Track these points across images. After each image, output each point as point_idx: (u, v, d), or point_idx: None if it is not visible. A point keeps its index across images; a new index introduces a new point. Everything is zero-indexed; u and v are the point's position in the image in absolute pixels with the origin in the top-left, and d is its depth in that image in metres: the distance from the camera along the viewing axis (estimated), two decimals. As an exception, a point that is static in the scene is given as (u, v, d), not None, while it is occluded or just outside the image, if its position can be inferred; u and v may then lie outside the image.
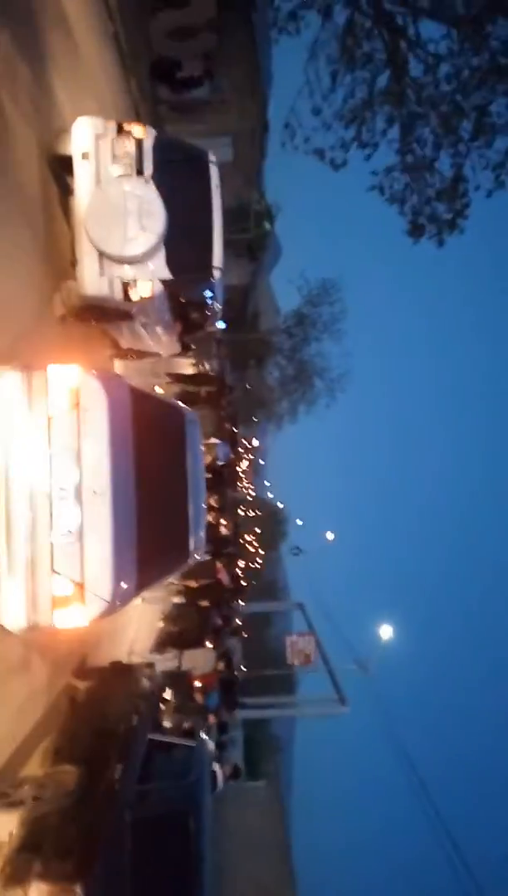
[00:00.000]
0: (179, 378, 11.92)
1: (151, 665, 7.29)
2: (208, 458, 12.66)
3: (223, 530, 15.23)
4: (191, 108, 16.22)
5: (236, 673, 13.16)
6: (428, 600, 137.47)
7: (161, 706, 6.34)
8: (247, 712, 17.51)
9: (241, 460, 33.42)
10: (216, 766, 6.80)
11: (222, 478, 15.20)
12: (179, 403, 6.84)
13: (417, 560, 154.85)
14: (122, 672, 6.55)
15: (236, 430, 23.55)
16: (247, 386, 30.71)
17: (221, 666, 11.03)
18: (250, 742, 31.83)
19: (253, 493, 47.92)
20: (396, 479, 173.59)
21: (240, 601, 24.29)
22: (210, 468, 13.16)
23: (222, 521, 16.61)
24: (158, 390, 10.26)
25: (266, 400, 34.78)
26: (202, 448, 7.24)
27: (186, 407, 6.67)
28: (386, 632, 18.68)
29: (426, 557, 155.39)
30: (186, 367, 11.90)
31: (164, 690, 6.83)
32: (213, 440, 13.33)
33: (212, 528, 12.80)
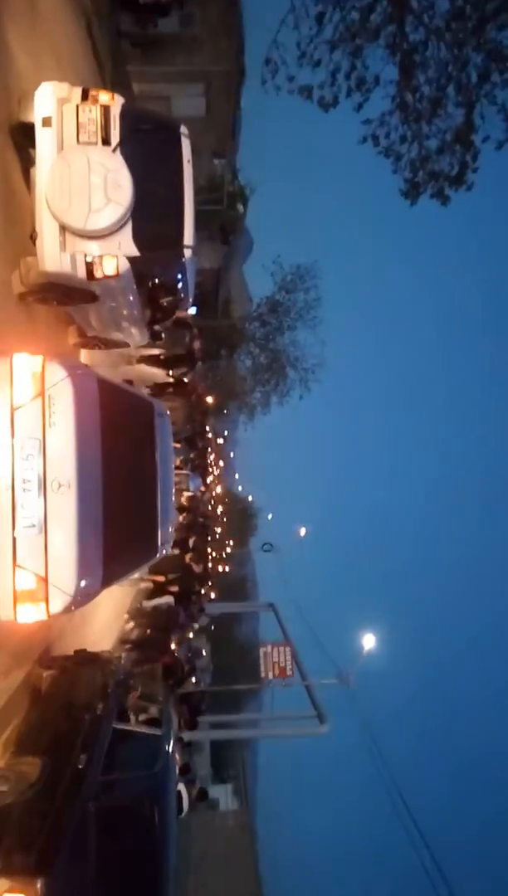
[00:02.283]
0: (149, 359, 11.92)
1: (116, 654, 7.33)
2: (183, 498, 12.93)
3: (195, 566, 15.30)
4: (157, 45, 14.99)
5: (196, 680, 13.08)
6: (410, 600, 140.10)
7: (126, 695, 6.40)
8: (215, 733, 17.15)
9: (212, 487, 33.45)
10: (182, 788, 6.87)
11: (194, 509, 15.32)
12: (148, 396, 6.87)
13: (397, 558, 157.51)
14: (87, 660, 6.64)
15: (205, 422, 23.64)
16: (208, 385, 30.47)
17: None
18: (215, 744, 32.32)
19: (222, 490, 48.15)
20: (373, 473, 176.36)
21: (209, 593, 24.45)
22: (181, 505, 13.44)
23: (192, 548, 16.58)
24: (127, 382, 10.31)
25: (237, 391, 34.74)
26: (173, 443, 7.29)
27: (156, 399, 6.71)
28: (369, 641, 17.53)
29: (407, 556, 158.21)
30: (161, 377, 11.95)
31: (130, 679, 6.89)
32: (184, 471, 13.62)
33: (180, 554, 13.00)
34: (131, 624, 11.46)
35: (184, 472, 13.82)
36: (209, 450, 30.33)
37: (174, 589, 12.21)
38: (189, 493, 15.27)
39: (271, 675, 15.46)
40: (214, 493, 40.13)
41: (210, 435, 33.10)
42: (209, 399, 23.68)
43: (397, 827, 13.58)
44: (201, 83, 16.88)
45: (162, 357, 11.83)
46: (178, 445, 12.41)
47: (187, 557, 13.69)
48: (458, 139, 9.43)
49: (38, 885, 3.64)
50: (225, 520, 46.07)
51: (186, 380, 13.82)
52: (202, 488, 18.32)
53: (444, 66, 9.34)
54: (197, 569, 15.33)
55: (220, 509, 43.48)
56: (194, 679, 12.95)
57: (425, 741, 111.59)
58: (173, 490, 7.21)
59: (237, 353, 32.16)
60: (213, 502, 39.14)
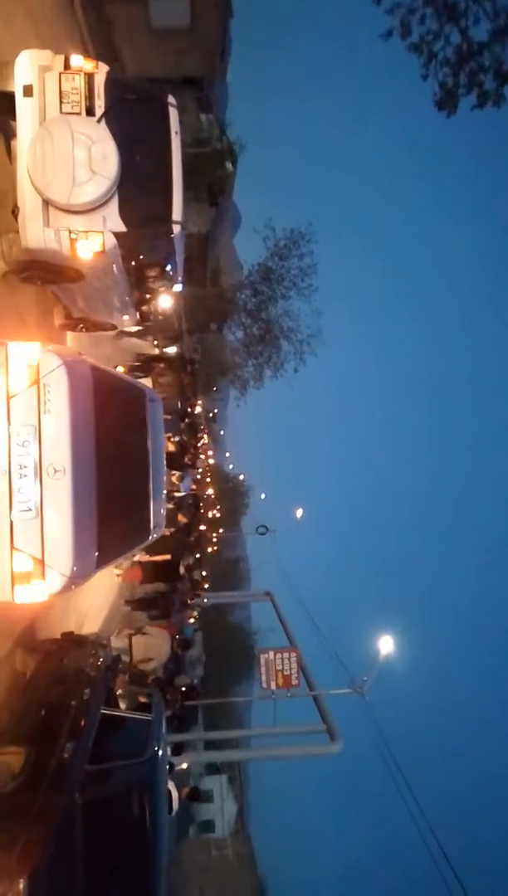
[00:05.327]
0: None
1: (104, 636, 7.67)
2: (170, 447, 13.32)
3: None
4: None
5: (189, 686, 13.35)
6: (421, 586, 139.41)
7: (115, 678, 6.70)
8: (210, 755, 17.12)
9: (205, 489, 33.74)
10: (172, 787, 7.13)
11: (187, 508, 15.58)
12: (141, 382, 7.19)
13: (404, 539, 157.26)
14: (73, 643, 6.90)
15: (195, 397, 23.97)
16: (195, 363, 30.45)
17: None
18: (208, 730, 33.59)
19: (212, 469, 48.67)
20: (374, 449, 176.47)
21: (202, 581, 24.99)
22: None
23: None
24: (120, 369, 10.65)
25: (228, 365, 34.84)
26: (164, 423, 7.59)
27: (147, 385, 7.04)
28: (386, 644, 15.63)
29: (415, 537, 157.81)
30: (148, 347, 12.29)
31: (118, 662, 7.21)
32: (176, 473, 13.96)
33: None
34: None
35: (176, 473, 14.20)
36: (200, 424, 30.54)
37: (166, 557, 12.62)
38: (179, 494, 15.60)
39: (273, 686, 14.18)
40: (206, 474, 40.61)
41: (200, 408, 33.42)
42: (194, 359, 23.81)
43: (405, 818, 13.27)
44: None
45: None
46: (168, 417, 12.79)
47: (180, 516, 14.12)
48: None
49: (21, 886, 3.62)
50: (215, 500, 46.66)
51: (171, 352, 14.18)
52: (193, 487, 18.64)
53: None
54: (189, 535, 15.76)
55: (210, 491, 44.00)
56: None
57: (446, 747, 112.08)
58: (165, 477, 7.56)
59: (228, 325, 32.19)
60: (205, 481, 39.70)
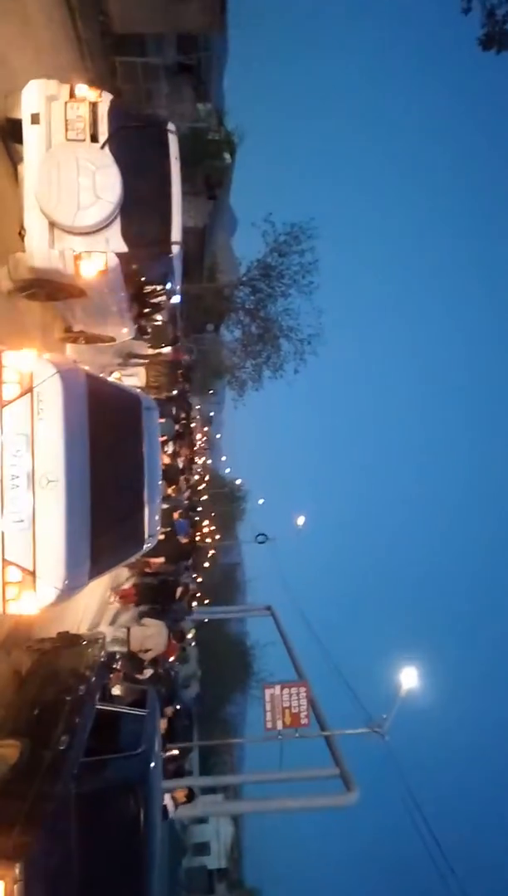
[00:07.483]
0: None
1: (100, 635, 8.19)
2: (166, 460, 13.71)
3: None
4: None
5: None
6: (443, 613, 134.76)
7: (110, 675, 7.09)
8: (211, 807, 16.59)
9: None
10: (167, 797, 7.44)
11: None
12: (136, 390, 7.65)
13: (417, 555, 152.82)
14: (69, 642, 7.26)
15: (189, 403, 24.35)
16: (190, 368, 30.51)
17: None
18: (203, 753, 33.96)
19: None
20: (379, 453, 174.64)
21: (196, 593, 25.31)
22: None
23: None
24: (115, 376, 11.13)
25: (225, 366, 35.00)
26: (159, 431, 8.06)
27: (143, 394, 7.53)
28: (409, 677, 14.46)
29: (429, 550, 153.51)
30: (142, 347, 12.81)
31: (113, 660, 7.65)
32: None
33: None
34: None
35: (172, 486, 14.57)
36: (191, 420, 30.71)
37: (161, 560, 12.99)
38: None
39: (280, 725, 13.01)
40: (201, 480, 40.96)
41: (197, 408, 33.76)
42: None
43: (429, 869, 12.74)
44: None
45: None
46: (162, 421, 13.29)
47: (176, 514, 14.46)
48: None
49: (17, 870, 3.80)
50: (210, 508, 47.07)
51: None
52: (190, 531, 18.93)
53: None
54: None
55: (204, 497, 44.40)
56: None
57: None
58: (161, 483, 8.02)
59: (225, 324, 32.26)
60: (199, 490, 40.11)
